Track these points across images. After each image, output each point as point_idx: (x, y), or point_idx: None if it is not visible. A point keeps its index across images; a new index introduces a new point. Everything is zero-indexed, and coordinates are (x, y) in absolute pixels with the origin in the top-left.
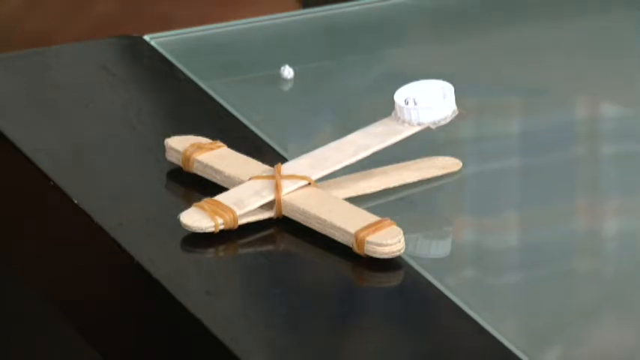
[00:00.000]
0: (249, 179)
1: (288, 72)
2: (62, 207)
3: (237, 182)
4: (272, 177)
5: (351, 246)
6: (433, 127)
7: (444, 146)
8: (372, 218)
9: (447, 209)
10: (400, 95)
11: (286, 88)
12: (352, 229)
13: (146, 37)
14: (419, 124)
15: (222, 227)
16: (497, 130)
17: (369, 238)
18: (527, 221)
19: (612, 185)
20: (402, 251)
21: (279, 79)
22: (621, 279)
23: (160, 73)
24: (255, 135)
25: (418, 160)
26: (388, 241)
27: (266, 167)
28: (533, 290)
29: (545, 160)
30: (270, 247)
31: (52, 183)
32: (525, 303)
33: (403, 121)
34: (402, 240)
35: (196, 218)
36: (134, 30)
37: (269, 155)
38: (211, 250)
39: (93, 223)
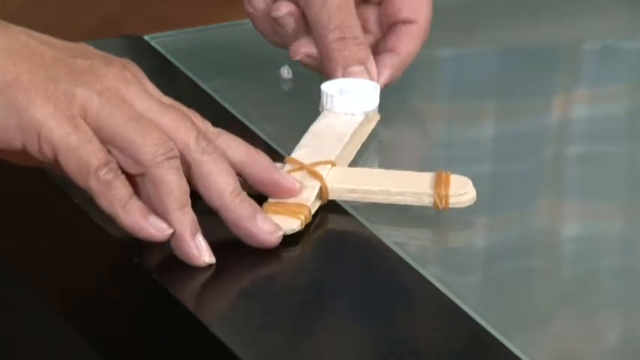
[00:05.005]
0: None
1: (287, 72)
2: (62, 207)
3: None
4: (299, 169)
5: (427, 205)
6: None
7: (442, 149)
8: (428, 175)
9: (445, 209)
10: (329, 88)
11: (286, 88)
12: (429, 190)
13: (146, 37)
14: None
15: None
16: (494, 132)
17: (451, 192)
18: (527, 219)
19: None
20: (474, 197)
21: (279, 79)
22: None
23: (160, 73)
24: (255, 135)
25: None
26: (466, 189)
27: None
28: (532, 290)
29: (546, 159)
30: (270, 247)
31: (52, 183)
32: (524, 303)
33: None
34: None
35: (279, 222)
36: (134, 30)
37: (269, 155)
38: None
39: (93, 223)
